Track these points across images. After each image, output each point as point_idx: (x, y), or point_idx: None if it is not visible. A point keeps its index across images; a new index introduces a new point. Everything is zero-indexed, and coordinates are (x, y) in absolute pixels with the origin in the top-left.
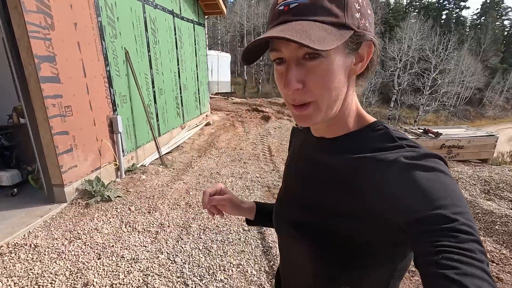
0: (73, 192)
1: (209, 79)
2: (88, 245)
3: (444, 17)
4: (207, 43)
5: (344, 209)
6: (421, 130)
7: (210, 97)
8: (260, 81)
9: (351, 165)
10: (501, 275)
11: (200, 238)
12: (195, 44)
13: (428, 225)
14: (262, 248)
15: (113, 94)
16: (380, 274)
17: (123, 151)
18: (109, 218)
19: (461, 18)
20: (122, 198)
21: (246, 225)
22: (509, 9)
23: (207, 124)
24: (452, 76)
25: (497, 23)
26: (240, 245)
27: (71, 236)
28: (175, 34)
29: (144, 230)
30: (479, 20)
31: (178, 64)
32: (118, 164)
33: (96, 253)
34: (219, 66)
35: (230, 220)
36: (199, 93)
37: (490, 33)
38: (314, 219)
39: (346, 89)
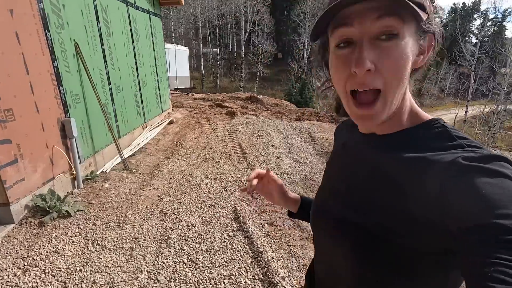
0: (22, 210)
1: (168, 74)
2: (48, 272)
3: None
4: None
5: (391, 210)
6: None
7: (170, 93)
8: (218, 75)
9: (403, 165)
10: None
11: (183, 249)
12: (152, 37)
13: (485, 234)
14: (252, 254)
15: (64, 93)
16: (429, 285)
17: (79, 157)
18: (71, 237)
19: None
20: (84, 212)
21: (288, 217)
22: (439, 8)
23: (171, 122)
24: None
25: None
26: (227, 253)
27: (25, 264)
28: (130, 25)
29: (116, 247)
30: None
31: (135, 59)
32: (75, 173)
33: (61, 282)
34: (177, 61)
35: (212, 227)
36: (159, 90)
37: None
38: (357, 219)
39: (407, 81)
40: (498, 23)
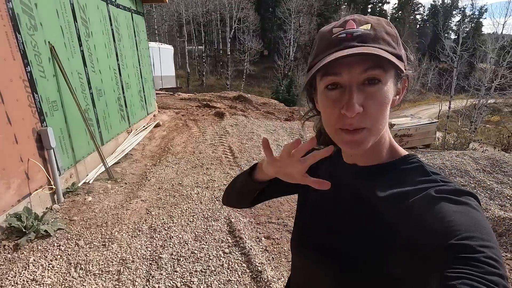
0: None
1: (152, 74)
2: None
3: (369, 10)
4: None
5: (373, 237)
6: None
7: (156, 94)
8: (204, 73)
9: (384, 196)
10: None
11: (175, 271)
12: (135, 36)
13: (453, 253)
14: (250, 274)
15: (39, 101)
16: None
17: (58, 169)
18: (51, 260)
19: (383, 12)
20: (65, 231)
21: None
22: (420, 5)
23: (157, 126)
24: None
25: (411, 17)
26: (224, 273)
27: None
28: (111, 25)
29: (102, 271)
30: (397, 14)
31: (117, 60)
32: (54, 187)
33: None
34: (162, 59)
35: (206, 243)
36: (144, 91)
37: (407, 26)
38: (342, 247)
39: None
40: (476, 20)
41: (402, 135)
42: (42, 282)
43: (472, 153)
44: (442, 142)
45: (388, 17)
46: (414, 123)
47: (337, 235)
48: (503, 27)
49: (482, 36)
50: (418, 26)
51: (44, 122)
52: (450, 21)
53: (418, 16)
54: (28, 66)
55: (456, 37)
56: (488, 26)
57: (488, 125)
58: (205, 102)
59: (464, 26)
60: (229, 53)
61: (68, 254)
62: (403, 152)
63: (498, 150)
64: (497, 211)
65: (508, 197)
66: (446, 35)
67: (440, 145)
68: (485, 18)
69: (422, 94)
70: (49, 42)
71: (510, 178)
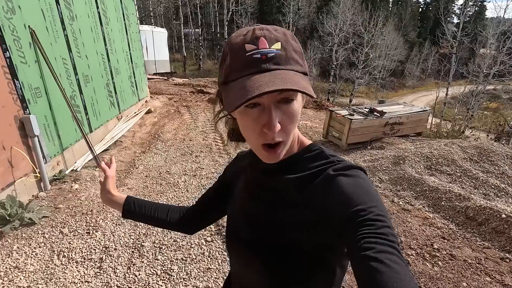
0: None
1: (145, 58)
2: None
3: None
4: (138, 17)
5: (292, 222)
6: (367, 110)
7: (148, 79)
8: (201, 57)
9: (295, 183)
10: (453, 251)
11: (157, 259)
12: (124, 19)
13: (354, 220)
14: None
15: (21, 88)
16: (326, 279)
17: (44, 157)
18: (35, 248)
19: None
20: (50, 219)
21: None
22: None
23: (148, 112)
24: (380, 50)
25: (414, 0)
26: (204, 261)
27: None
28: (98, 8)
29: (84, 259)
30: None
31: (105, 45)
32: (39, 175)
33: None
34: (155, 43)
35: None
36: (135, 77)
37: (409, 9)
38: (266, 236)
39: None
40: (480, 3)
41: (393, 123)
42: (25, 269)
43: (461, 142)
44: (437, 129)
45: (390, 0)
46: (406, 111)
47: (263, 229)
48: (505, 11)
49: (484, 20)
50: (420, 9)
51: (27, 110)
52: (453, 5)
53: None
54: (7, 52)
55: (458, 21)
56: (491, 10)
57: (486, 111)
58: (199, 88)
59: (467, 10)
60: (227, 36)
61: (52, 241)
62: (308, 142)
63: (490, 138)
64: (479, 200)
65: (492, 186)
66: (448, 19)
67: (432, 133)
68: (489, 1)
69: (421, 80)
70: (29, 26)
71: (496, 167)
